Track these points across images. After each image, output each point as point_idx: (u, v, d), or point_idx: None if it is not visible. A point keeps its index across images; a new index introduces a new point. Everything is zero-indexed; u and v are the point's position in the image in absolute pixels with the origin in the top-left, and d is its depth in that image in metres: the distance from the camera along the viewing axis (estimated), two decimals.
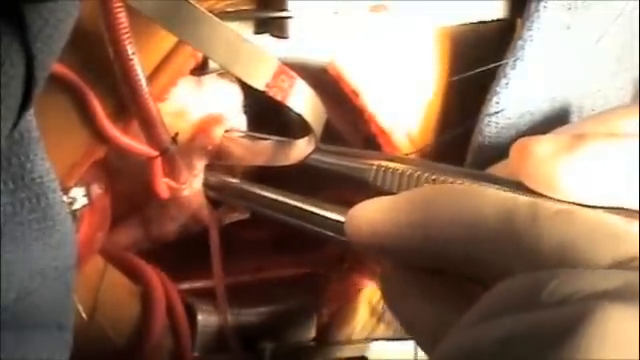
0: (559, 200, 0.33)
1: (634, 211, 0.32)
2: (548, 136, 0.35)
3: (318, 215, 0.40)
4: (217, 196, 0.47)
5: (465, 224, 0.31)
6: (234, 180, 0.47)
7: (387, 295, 0.36)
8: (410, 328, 0.35)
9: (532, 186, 0.34)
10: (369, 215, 0.34)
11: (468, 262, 0.31)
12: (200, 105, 0.46)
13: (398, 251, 0.34)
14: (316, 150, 0.42)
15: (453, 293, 0.33)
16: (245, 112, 0.49)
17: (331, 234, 0.39)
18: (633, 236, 0.28)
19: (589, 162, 0.33)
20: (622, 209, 0.32)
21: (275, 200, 0.43)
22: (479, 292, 0.31)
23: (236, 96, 0.48)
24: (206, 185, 0.46)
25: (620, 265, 0.27)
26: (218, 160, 0.46)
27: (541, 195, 0.33)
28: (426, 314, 0.33)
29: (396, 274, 0.35)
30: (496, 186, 0.34)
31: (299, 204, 0.41)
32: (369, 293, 0.50)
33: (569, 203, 0.33)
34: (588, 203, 0.32)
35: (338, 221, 0.38)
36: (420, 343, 0.35)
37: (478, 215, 0.31)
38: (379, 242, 0.34)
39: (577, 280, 0.25)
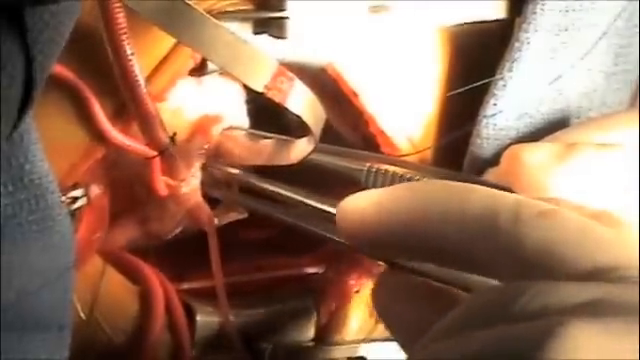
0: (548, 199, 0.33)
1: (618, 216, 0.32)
2: (539, 144, 0.35)
3: (319, 209, 0.40)
4: (217, 192, 0.47)
5: (450, 219, 0.31)
6: (236, 171, 0.46)
7: (376, 299, 0.36)
8: (395, 333, 0.35)
9: (522, 194, 0.33)
10: (358, 207, 0.34)
11: (452, 257, 0.31)
12: (201, 103, 0.46)
13: (385, 244, 0.33)
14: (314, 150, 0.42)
15: (439, 300, 0.33)
16: (247, 110, 0.49)
17: (328, 234, 0.39)
18: (616, 245, 0.27)
19: (579, 171, 0.33)
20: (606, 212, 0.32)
21: (277, 193, 0.43)
22: (462, 295, 0.32)
23: (237, 94, 0.48)
24: (205, 182, 0.46)
25: (600, 273, 0.26)
26: (217, 159, 0.46)
27: None
28: (411, 320, 0.34)
29: (386, 278, 0.35)
30: None
31: (301, 198, 0.41)
32: (368, 294, 0.50)
33: (555, 199, 0.32)
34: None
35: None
36: (400, 342, 0.35)
37: (463, 210, 0.30)
38: (367, 234, 0.34)
39: (547, 294, 0.25)
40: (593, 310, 0.24)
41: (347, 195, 0.36)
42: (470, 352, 0.24)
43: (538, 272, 0.27)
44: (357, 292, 0.50)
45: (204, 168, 0.46)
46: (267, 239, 0.53)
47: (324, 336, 0.49)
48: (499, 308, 0.25)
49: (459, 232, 0.30)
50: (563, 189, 0.33)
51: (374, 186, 0.38)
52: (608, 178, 0.33)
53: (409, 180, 0.37)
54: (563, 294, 0.25)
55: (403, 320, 0.34)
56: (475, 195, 0.31)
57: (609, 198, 0.32)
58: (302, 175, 0.43)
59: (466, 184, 0.32)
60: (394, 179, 0.37)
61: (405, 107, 0.49)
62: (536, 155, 0.34)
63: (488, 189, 0.31)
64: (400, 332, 0.35)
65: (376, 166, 0.38)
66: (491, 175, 0.40)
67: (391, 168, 0.38)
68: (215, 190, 0.47)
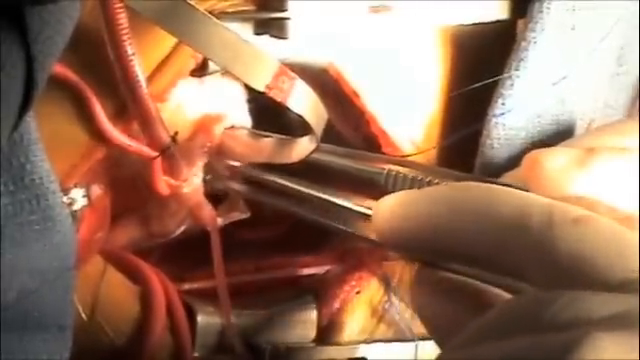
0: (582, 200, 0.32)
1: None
2: (559, 149, 0.35)
3: (341, 206, 0.40)
4: (227, 185, 0.47)
5: (479, 222, 0.31)
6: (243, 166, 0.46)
7: (414, 296, 0.36)
8: (432, 331, 0.35)
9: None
10: (393, 207, 0.34)
11: (483, 260, 0.31)
12: (203, 102, 0.46)
13: (417, 245, 0.34)
14: (327, 150, 0.42)
15: (476, 299, 0.33)
16: (249, 110, 0.49)
17: (346, 228, 0.39)
18: None
19: (600, 176, 0.33)
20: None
21: (294, 189, 0.43)
22: (496, 293, 0.31)
23: (239, 93, 0.48)
24: (208, 179, 0.46)
25: (631, 283, 0.26)
26: (219, 157, 0.46)
27: None
28: (447, 318, 0.34)
29: (425, 275, 0.35)
30: None
31: (320, 194, 0.41)
32: (369, 294, 0.50)
33: (589, 200, 0.32)
34: None
35: (362, 213, 0.38)
36: (436, 341, 0.35)
37: (495, 213, 0.30)
38: (398, 236, 0.34)
39: (578, 305, 0.25)
40: (622, 322, 0.24)
41: (362, 196, 0.36)
42: (501, 359, 0.24)
43: (570, 279, 0.27)
44: (358, 293, 0.50)
45: (207, 166, 0.46)
46: (268, 239, 0.53)
47: (325, 337, 0.49)
48: (530, 317, 0.25)
49: (490, 235, 0.30)
50: (583, 193, 0.33)
51: (394, 190, 0.38)
52: (629, 182, 0.33)
53: (429, 184, 0.37)
54: (594, 305, 0.25)
55: (440, 318, 0.34)
56: (507, 198, 0.31)
57: (630, 202, 0.33)
58: (309, 176, 0.43)
59: (497, 186, 0.32)
60: (414, 183, 0.38)
61: (406, 107, 0.49)
62: (556, 160, 0.34)
63: (519, 192, 0.31)
64: (436, 330, 0.35)
65: (395, 169, 0.39)
66: (509, 178, 0.40)
67: (412, 172, 0.38)
68: (220, 183, 0.47)
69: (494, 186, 0.32)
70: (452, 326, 0.33)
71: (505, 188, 0.32)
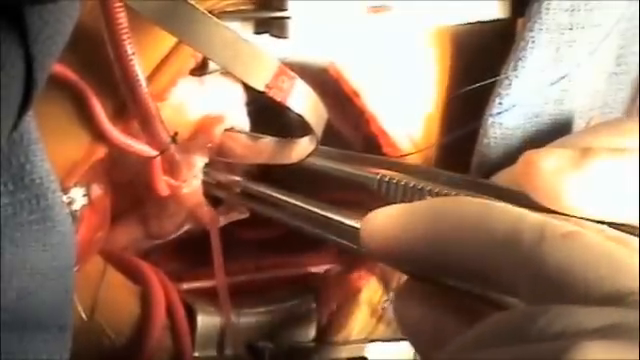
0: (568, 215, 0.33)
1: (636, 227, 0.32)
2: (555, 149, 0.35)
3: (330, 219, 0.40)
4: (221, 194, 0.47)
5: (471, 238, 0.31)
6: (239, 179, 0.47)
7: (396, 306, 0.36)
8: (413, 342, 0.35)
9: (538, 200, 0.34)
10: (382, 222, 0.34)
11: (473, 274, 0.31)
12: (202, 103, 0.46)
13: (407, 259, 0.34)
14: (320, 153, 0.42)
15: (459, 312, 0.33)
16: (247, 110, 0.49)
17: (340, 240, 0.39)
18: (634, 270, 0.27)
19: (595, 178, 0.33)
20: (625, 225, 0.32)
21: (284, 201, 0.43)
22: (481, 309, 0.32)
23: (238, 94, 0.48)
24: (208, 184, 0.46)
25: (618, 297, 0.26)
26: (219, 158, 0.46)
27: (547, 209, 0.33)
28: (429, 330, 0.34)
29: (409, 286, 0.36)
30: (502, 198, 0.34)
31: (310, 207, 0.41)
32: (369, 293, 0.50)
33: (578, 219, 0.33)
34: (594, 219, 0.32)
35: (351, 226, 0.38)
36: (416, 348, 0.35)
37: (485, 231, 0.31)
38: (387, 249, 0.34)
39: (565, 318, 0.25)
40: (611, 333, 0.24)
41: (359, 198, 0.36)
42: None
43: (558, 293, 0.28)
44: (358, 292, 0.50)
45: (207, 167, 0.46)
46: (268, 239, 0.53)
47: (325, 336, 0.49)
48: (518, 329, 0.26)
49: (483, 251, 0.31)
50: (579, 195, 0.33)
51: (387, 195, 0.38)
52: (624, 183, 0.33)
53: (422, 191, 0.37)
54: (581, 318, 0.25)
55: (421, 329, 0.34)
56: (498, 214, 0.31)
57: (625, 204, 0.33)
58: (308, 177, 0.43)
59: (486, 201, 0.32)
60: (407, 189, 0.38)
61: (406, 107, 0.49)
62: (551, 161, 0.34)
63: (510, 207, 0.31)
64: (418, 341, 0.35)
65: (388, 174, 0.39)
66: (506, 174, 0.40)
67: (404, 177, 0.38)
68: (218, 191, 0.47)
69: (487, 201, 0.32)
70: (434, 338, 0.34)
71: (500, 204, 0.32)
